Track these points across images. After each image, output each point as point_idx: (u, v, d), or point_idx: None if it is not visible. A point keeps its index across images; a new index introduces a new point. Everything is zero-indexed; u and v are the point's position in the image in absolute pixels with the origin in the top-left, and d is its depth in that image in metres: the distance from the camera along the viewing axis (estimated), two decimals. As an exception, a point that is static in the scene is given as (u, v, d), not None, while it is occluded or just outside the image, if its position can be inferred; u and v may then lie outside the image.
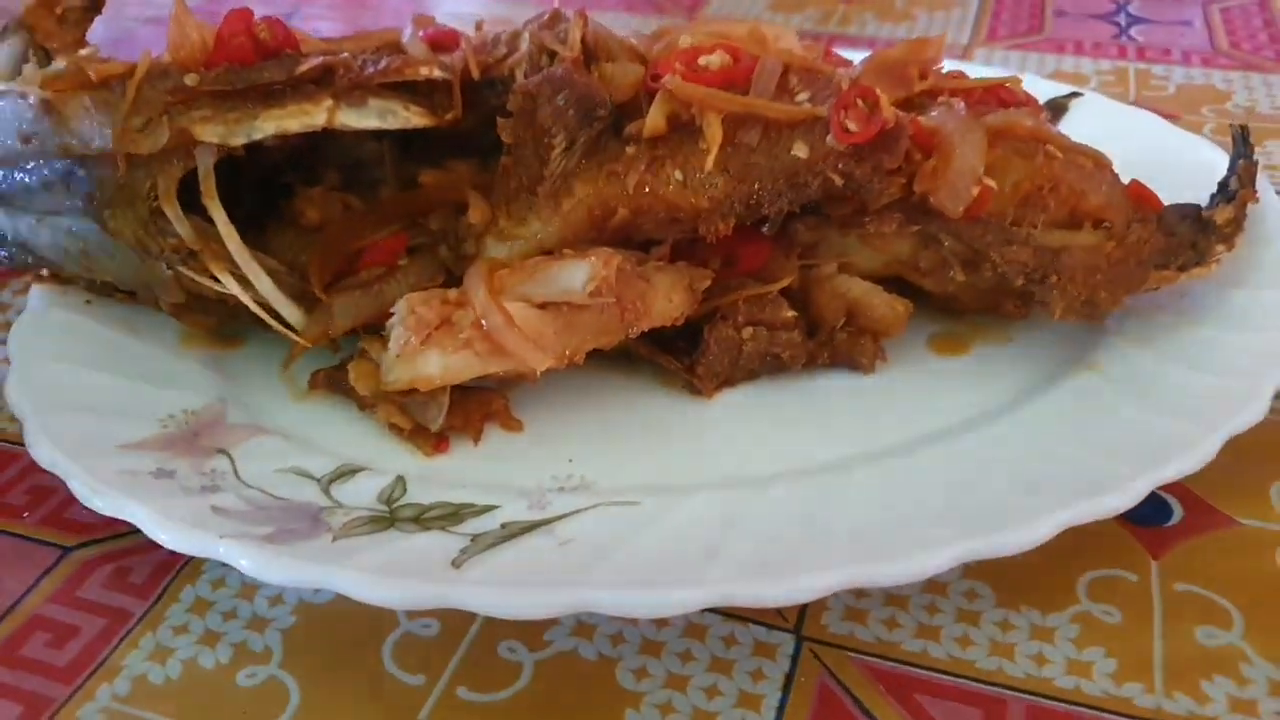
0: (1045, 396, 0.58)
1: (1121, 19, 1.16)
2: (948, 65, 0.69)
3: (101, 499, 0.51)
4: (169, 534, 0.49)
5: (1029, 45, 1.10)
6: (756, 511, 0.51)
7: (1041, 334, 0.64)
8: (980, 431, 0.56)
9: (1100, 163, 0.58)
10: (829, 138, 0.55)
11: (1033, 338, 0.64)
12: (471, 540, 0.49)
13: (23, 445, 0.57)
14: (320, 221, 0.65)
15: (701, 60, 0.57)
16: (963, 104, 0.59)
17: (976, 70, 0.81)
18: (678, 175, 0.57)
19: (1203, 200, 0.64)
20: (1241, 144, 0.65)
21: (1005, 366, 0.62)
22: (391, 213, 0.65)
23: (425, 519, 0.51)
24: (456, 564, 0.47)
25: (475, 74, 0.63)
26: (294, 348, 0.61)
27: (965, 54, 1.09)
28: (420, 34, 0.65)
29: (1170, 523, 0.55)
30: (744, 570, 0.46)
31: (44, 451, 0.54)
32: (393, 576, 0.46)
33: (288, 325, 0.61)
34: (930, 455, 0.54)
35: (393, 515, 0.52)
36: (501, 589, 0.45)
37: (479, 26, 0.69)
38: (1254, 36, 1.10)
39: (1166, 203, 0.63)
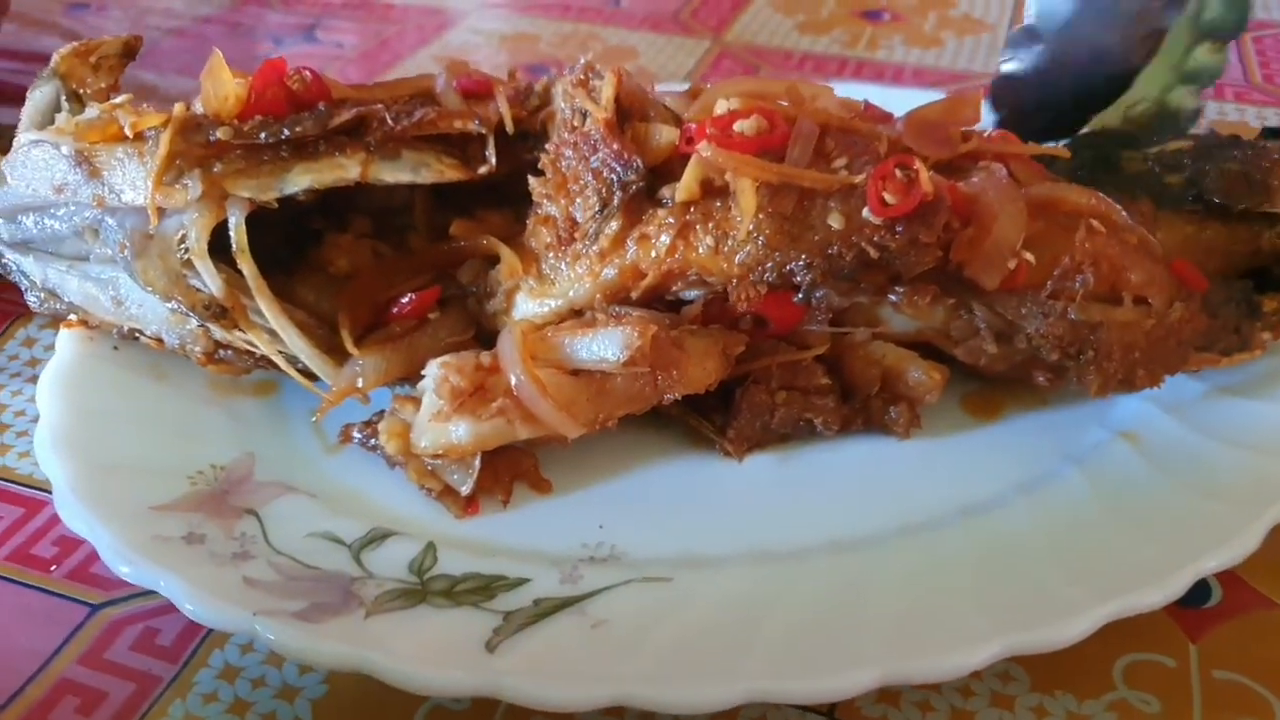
0: (1082, 469, 0.58)
1: (1154, 48, 1.14)
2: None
3: (133, 569, 0.51)
4: (203, 610, 0.48)
5: (1060, 76, 1.09)
6: (790, 593, 0.50)
7: (1075, 394, 0.63)
8: (1017, 507, 0.55)
9: (1145, 239, 0.57)
10: (865, 209, 0.54)
11: (1066, 398, 0.64)
12: (504, 619, 0.49)
13: (50, 491, 0.57)
14: (350, 270, 0.65)
15: (737, 126, 0.56)
16: (1004, 170, 0.58)
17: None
18: (709, 241, 0.56)
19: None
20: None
21: (1040, 432, 0.62)
22: (422, 263, 0.65)
23: (457, 593, 0.51)
24: (490, 646, 0.47)
25: (510, 129, 0.62)
26: (323, 403, 0.60)
27: (995, 84, 1.08)
28: (454, 83, 0.64)
29: (1209, 604, 0.54)
30: (778, 663, 0.45)
31: (74, 515, 0.54)
32: (427, 663, 0.45)
33: (317, 380, 0.61)
34: (966, 532, 0.54)
35: (424, 588, 0.52)
36: (536, 679, 0.45)
37: (512, 74, 0.68)
38: (1289, 69, 1.09)
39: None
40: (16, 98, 0.67)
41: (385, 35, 1.25)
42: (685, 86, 0.67)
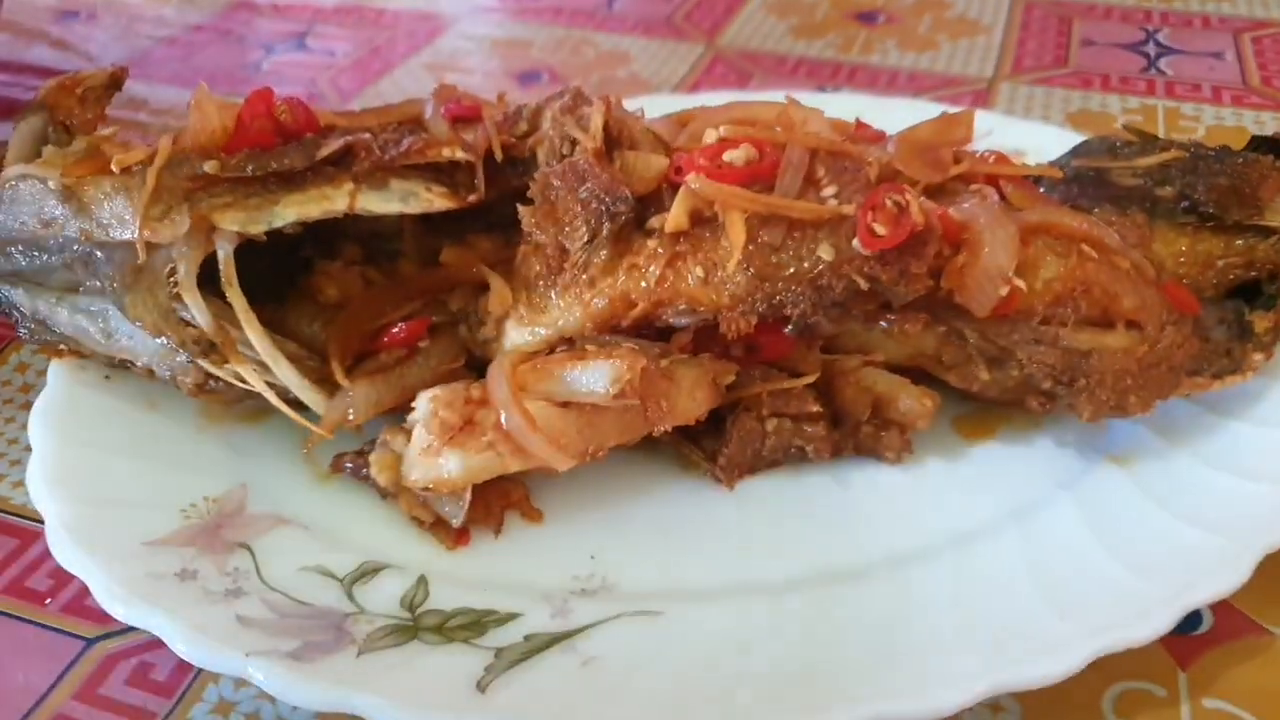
0: (1072, 496, 0.58)
1: (1150, 49, 1.14)
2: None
3: (126, 609, 0.51)
4: (195, 650, 0.49)
5: (1054, 80, 1.08)
6: (778, 628, 0.51)
7: (1069, 416, 0.63)
8: (1007, 536, 0.55)
9: (1138, 263, 0.57)
10: (855, 241, 0.54)
11: (1058, 420, 0.63)
12: (495, 656, 0.49)
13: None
14: (340, 298, 0.65)
15: (726, 155, 0.56)
16: (996, 194, 0.58)
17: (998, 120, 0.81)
18: (699, 272, 0.56)
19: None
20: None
21: (1031, 456, 0.62)
22: (412, 291, 0.65)
23: (448, 629, 0.51)
24: (481, 686, 0.47)
25: (499, 156, 0.62)
26: (312, 436, 0.60)
27: (990, 88, 1.07)
28: (442, 110, 0.64)
29: (1200, 630, 0.54)
30: (764, 703, 0.45)
31: (66, 553, 0.54)
32: (417, 705, 0.45)
33: (309, 411, 0.61)
34: (956, 563, 0.54)
35: (416, 624, 0.52)
36: (526, 724, 0.45)
37: (501, 98, 0.68)
38: (1286, 71, 1.08)
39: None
40: (7, 111, 0.66)
41: (377, 42, 1.24)
42: (677, 106, 0.67)
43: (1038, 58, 1.13)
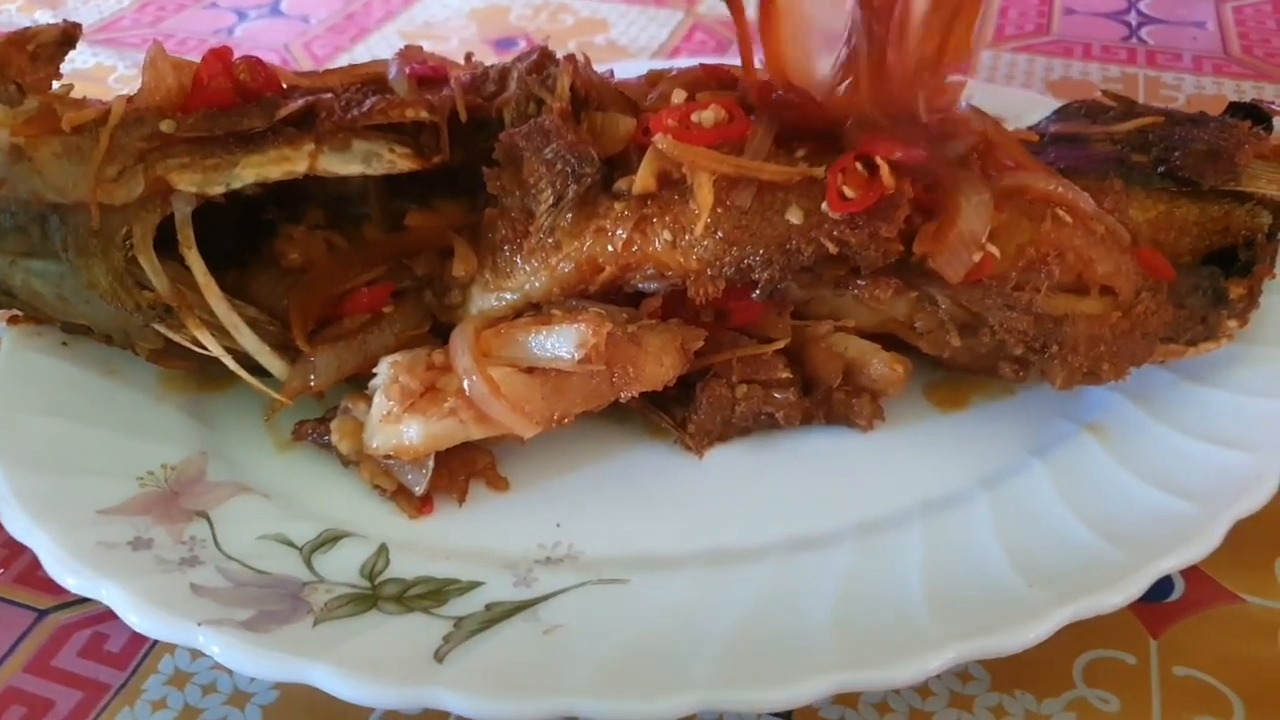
0: (1045, 463, 0.57)
1: (1132, 18, 1.13)
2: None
3: (75, 578, 0.49)
4: (145, 620, 0.47)
5: (1035, 48, 1.07)
6: (746, 596, 0.50)
7: (1043, 383, 0.62)
8: (978, 504, 0.55)
9: (1112, 228, 0.56)
10: (824, 204, 0.52)
11: (1033, 387, 0.62)
12: (455, 625, 0.48)
13: (-1, 493, 0.56)
14: (303, 263, 0.63)
15: (695, 116, 0.54)
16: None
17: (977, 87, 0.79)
18: (666, 235, 0.55)
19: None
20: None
21: (1004, 423, 0.61)
22: (376, 255, 0.63)
23: (408, 598, 0.50)
24: (439, 655, 0.46)
25: (463, 116, 0.60)
26: (273, 403, 0.59)
27: (971, 57, 1.06)
28: (406, 70, 0.62)
29: (1171, 598, 0.54)
30: (731, 672, 0.44)
31: (16, 522, 0.52)
32: (371, 675, 0.44)
33: (270, 377, 0.59)
34: (926, 531, 0.53)
35: (375, 593, 0.51)
36: (481, 694, 0.44)
37: (468, 58, 0.66)
38: (1268, 41, 1.07)
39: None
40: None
41: (352, 9, 1.22)
42: (646, 67, 0.66)
43: (1019, 25, 1.12)
